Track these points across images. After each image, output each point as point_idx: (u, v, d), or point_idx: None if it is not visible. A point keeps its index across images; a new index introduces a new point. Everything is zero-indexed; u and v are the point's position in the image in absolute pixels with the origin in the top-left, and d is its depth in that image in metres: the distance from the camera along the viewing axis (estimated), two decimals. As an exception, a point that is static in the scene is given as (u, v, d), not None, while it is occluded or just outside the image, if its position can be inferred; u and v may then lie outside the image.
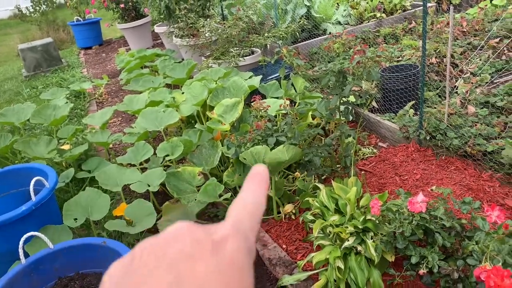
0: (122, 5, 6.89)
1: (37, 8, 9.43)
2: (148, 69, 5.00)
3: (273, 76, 4.03)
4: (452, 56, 3.72)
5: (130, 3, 6.96)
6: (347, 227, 2.08)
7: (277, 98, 3.47)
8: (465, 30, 4.31)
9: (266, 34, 4.30)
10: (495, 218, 1.69)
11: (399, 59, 4.01)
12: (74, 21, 8.15)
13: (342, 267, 1.97)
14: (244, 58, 4.31)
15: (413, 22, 4.99)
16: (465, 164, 2.74)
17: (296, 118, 2.66)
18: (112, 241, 1.99)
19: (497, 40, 3.95)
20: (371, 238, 2.01)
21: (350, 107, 2.59)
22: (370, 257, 1.96)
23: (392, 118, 3.32)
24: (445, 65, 3.18)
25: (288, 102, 2.81)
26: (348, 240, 2.02)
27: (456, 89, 3.43)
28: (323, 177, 2.75)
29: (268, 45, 4.61)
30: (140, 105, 3.65)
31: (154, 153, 3.06)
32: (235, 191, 2.73)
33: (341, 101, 2.55)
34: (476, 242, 1.72)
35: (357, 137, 2.72)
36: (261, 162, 2.37)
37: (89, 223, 2.57)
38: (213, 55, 4.45)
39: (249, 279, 0.34)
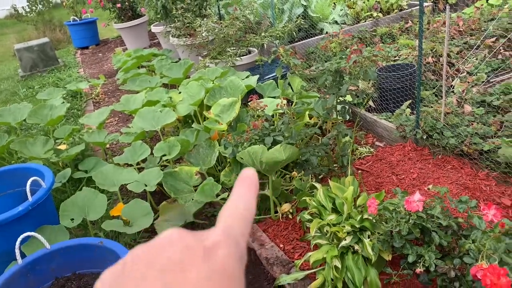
0: (118, 5, 6.87)
1: (33, 8, 9.40)
2: (145, 69, 5.00)
3: (270, 75, 4.03)
4: (448, 55, 3.73)
5: (126, 3, 6.95)
6: (344, 226, 2.08)
7: (274, 97, 3.47)
8: (462, 29, 4.32)
9: (263, 34, 4.30)
10: (491, 216, 1.69)
11: (395, 58, 4.02)
12: (70, 21, 8.12)
13: (339, 266, 1.97)
14: (241, 57, 4.31)
15: (410, 21, 5.00)
16: (462, 163, 2.75)
17: (293, 118, 2.66)
18: (109, 241, 1.98)
19: (493, 39, 3.96)
20: (368, 237, 2.01)
21: (347, 107, 2.59)
22: (367, 256, 1.96)
23: (389, 118, 3.32)
24: (442, 65, 3.19)
25: (285, 101, 2.82)
26: (345, 239, 2.03)
27: (453, 88, 3.44)
28: (320, 177, 2.75)
29: (265, 44, 4.62)
30: (137, 105, 3.65)
31: (151, 153, 3.06)
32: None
33: (338, 101, 2.56)
34: (472, 240, 1.73)
35: (354, 137, 2.72)
36: (258, 161, 2.37)
37: (86, 223, 2.57)
38: (210, 55, 4.45)
39: (241, 285, 0.34)
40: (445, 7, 3.20)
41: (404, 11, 5.41)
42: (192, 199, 2.66)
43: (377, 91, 3.53)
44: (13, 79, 6.79)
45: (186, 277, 0.32)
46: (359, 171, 2.86)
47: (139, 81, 4.26)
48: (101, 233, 2.60)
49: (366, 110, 3.53)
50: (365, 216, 2.05)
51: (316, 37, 4.89)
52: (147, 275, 0.33)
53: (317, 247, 2.17)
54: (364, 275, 1.94)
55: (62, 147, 3.49)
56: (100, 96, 5.44)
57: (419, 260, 1.80)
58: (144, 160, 3.14)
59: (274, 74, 3.98)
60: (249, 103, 2.87)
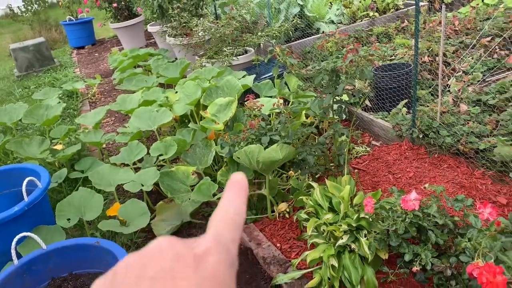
0: (114, 5, 6.86)
1: (29, 7, 9.36)
2: (141, 68, 4.99)
3: (266, 75, 4.03)
4: (444, 54, 3.74)
5: (122, 3, 6.93)
6: (341, 225, 2.08)
7: (270, 97, 3.47)
8: (457, 29, 4.34)
9: (259, 33, 4.30)
10: (487, 215, 1.70)
11: (392, 58, 4.03)
12: (66, 21, 8.10)
13: (336, 265, 1.97)
14: (238, 57, 4.30)
15: (406, 21, 5.02)
16: (458, 162, 2.76)
17: (290, 117, 2.66)
18: (106, 241, 1.98)
19: (488, 38, 3.97)
20: (365, 236, 2.01)
21: (343, 106, 2.60)
22: (364, 255, 1.97)
23: (385, 117, 3.33)
24: (438, 64, 3.20)
25: (281, 101, 2.81)
26: (342, 238, 2.03)
27: (449, 87, 3.45)
28: (316, 176, 2.76)
29: (261, 44, 4.62)
30: (133, 104, 3.64)
31: (148, 153, 3.05)
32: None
33: (334, 100, 2.56)
34: (468, 239, 1.73)
35: (350, 136, 2.73)
36: (255, 161, 2.37)
37: (82, 223, 2.56)
38: (206, 54, 4.44)
39: None
40: (441, 7, 3.21)
41: (400, 10, 5.42)
42: (189, 199, 2.66)
43: (374, 90, 3.54)
44: (9, 79, 6.76)
45: (177, 285, 0.32)
46: (356, 170, 2.86)
47: (135, 81, 4.25)
48: (97, 233, 2.59)
49: (362, 110, 3.53)
50: (362, 215, 2.06)
51: (313, 36, 4.90)
52: (138, 283, 0.33)
53: (314, 246, 2.17)
54: (361, 274, 1.95)
55: (58, 147, 3.48)
56: (96, 96, 5.42)
57: (416, 259, 1.80)
58: (140, 160, 3.13)
59: (271, 73, 3.98)
60: (245, 103, 2.87)
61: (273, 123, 2.71)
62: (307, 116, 3.19)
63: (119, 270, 0.35)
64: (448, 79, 3.58)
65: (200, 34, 4.48)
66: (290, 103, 3.22)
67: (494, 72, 3.63)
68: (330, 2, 5.54)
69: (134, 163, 3.09)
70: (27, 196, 2.24)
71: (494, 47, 3.86)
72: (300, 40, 4.87)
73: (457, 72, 3.65)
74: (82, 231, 2.70)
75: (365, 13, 5.38)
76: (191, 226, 2.77)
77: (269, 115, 3.10)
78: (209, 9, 5.30)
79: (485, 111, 3.02)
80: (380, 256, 1.96)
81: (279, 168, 2.85)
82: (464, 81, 3.47)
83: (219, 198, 2.52)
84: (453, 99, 3.21)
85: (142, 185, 2.69)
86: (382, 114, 3.39)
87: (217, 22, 4.45)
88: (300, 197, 2.43)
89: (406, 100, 3.31)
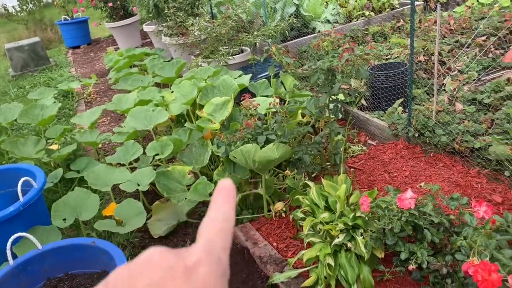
0: (110, 4, 6.83)
1: (24, 7, 9.32)
2: (137, 68, 4.98)
3: (262, 74, 4.03)
4: (439, 54, 3.75)
5: (118, 2, 6.91)
6: (337, 224, 2.09)
7: (266, 96, 3.47)
8: (453, 28, 4.35)
9: (255, 33, 4.29)
10: (482, 213, 1.71)
11: (387, 57, 4.04)
12: (61, 20, 8.07)
13: (332, 264, 1.98)
14: (234, 56, 4.30)
15: (401, 20, 5.03)
16: (453, 160, 2.77)
17: (286, 116, 2.66)
18: (102, 241, 1.97)
19: (483, 38, 3.99)
20: (361, 235, 2.02)
21: (339, 105, 2.60)
22: (360, 254, 1.97)
23: (381, 116, 3.34)
24: (433, 63, 3.21)
25: (277, 100, 2.82)
26: (338, 237, 2.03)
27: (444, 86, 3.46)
28: (313, 175, 2.76)
29: (257, 43, 4.62)
30: (129, 104, 3.63)
31: (144, 153, 3.04)
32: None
33: (330, 99, 2.56)
34: (464, 237, 1.74)
35: (346, 135, 2.73)
36: (251, 160, 2.37)
37: (78, 223, 2.55)
38: (202, 54, 4.44)
39: None
40: (436, 6, 3.22)
41: (395, 10, 5.44)
42: (185, 198, 2.65)
43: (369, 89, 3.55)
44: (4, 79, 6.73)
45: None
46: (352, 169, 2.87)
47: (131, 81, 4.24)
48: (93, 233, 2.58)
49: (358, 109, 3.54)
50: (358, 214, 2.06)
51: (309, 36, 4.90)
52: None
53: (310, 245, 2.17)
54: (357, 273, 1.95)
55: (54, 147, 3.46)
56: (92, 95, 5.41)
57: (412, 257, 1.81)
58: (136, 160, 3.13)
59: (267, 73, 3.98)
60: (241, 102, 2.87)
61: (269, 123, 2.71)
62: (303, 115, 3.19)
63: (111, 281, 0.35)
64: (444, 78, 3.59)
65: (196, 33, 4.48)
66: (286, 102, 3.22)
67: (489, 71, 3.64)
68: (326, 2, 5.54)
69: (130, 163, 3.08)
70: (23, 196, 2.23)
71: (489, 46, 3.88)
72: (296, 40, 4.88)
73: (452, 71, 3.66)
74: (78, 231, 2.70)
75: (361, 12, 5.39)
76: (188, 226, 2.77)
77: (265, 115, 3.10)
78: (205, 9, 5.30)
79: (480, 110, 3.03)
80: (376, 255, 1.97)
81: (276, 167, 2.85)
82: (459, 80, 3.48)
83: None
84: (448, 98, 3.22)
85: (138, 185, 2.69)
86: (378, 113, 3.40)
87: (213, 22, 4.44)
88: (297, 196, 2.43)
89: (401, 99, 3.32)
